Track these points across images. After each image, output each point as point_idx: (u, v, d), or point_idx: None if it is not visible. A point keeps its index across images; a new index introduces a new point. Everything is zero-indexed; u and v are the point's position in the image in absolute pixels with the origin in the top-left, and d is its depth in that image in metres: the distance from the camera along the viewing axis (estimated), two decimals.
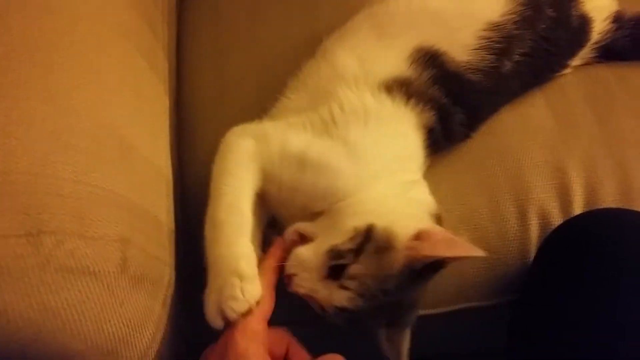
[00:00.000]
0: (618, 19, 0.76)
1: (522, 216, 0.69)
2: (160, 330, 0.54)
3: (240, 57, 0.81)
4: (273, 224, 0.65)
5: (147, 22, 0.73)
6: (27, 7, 0.53)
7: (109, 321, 0.47)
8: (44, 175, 0.46)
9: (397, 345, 0.59)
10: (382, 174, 0.61)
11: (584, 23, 0.74)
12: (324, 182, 0.59)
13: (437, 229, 0.57)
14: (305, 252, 0.56)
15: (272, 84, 0.73)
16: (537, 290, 0.63)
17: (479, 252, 0.53)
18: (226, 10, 0.85)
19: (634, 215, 0.62)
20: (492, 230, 0.69)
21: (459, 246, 0.54)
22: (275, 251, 0.59)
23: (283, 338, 0.57)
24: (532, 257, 0.67)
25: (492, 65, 0.66)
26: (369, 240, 0.55)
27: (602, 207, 0.69)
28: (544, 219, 0.69)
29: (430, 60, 0.65)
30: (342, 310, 0.54)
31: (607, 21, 0.76)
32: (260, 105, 0.71)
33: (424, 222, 0.58)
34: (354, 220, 0.56)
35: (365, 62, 0.66)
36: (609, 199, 0.71)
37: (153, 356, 0.52)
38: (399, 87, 0.64)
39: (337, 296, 0.54)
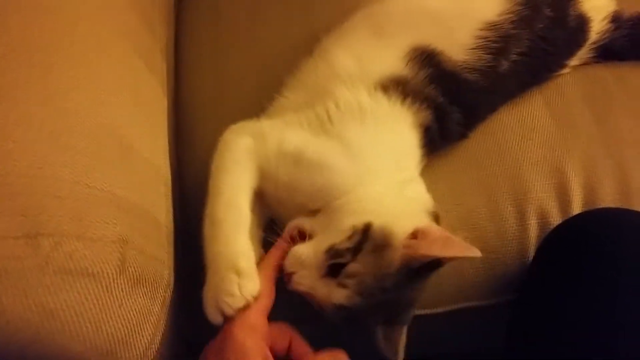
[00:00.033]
0: (616, 19, 0.76)
1: (521, 216, 0.69)
2: (160, 331, 0.54)
3: (239, 57, 0.80)
4: (273, 227, 0.65)
5: (145, 23, 0.73)
6: (26, 8, 0.53)
7: (108, 322, 0.47)
8: (42, 176, 0.46)
9: (394, 342, 0.59)
10: (378, 172, 0.61)
11: (582, 23, 0.74)
12: (319, 180, 0.60)
13: (434, 227, 0.57)
14: (304, 251, 0.57)
15: (271, 84, 0.73)
16: (536, 289, 0.63)
17: (475, 253, 0.53)
18: (225, 10, 0.85)
19: (633, 214, 0.62)
20: (491, 230, 0.69)
21: (456, 246, 0.54)
22: (276, 250, 0.59)
23: (285, 332, 0.57)
24: (531, 257, 0.67)
25: (489, 64, 0.66)
26: (367, 239, 0.55)
27: (600, 206, 0.70)
28: (542, 218, 0.69)
29: (426, 59, 0.65)
30: (340, 307, 0.55)
31: (605, 21, 0.76)
32: (259, 105, 0.71)
33: (421, 221, 0.58)
34: (352, 219, 0.57)
35: (362, 61, 0.66)
36: (607, 199, 0.71)
37: (152, 357, 0.52)
38: (395, 86, 0.64)
39: (336, 294, 0.55)
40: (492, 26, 0.67)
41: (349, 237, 0.55)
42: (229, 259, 0.55)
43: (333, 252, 0.55)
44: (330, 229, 0.57)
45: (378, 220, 0.56)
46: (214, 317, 0.54)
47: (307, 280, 0.56)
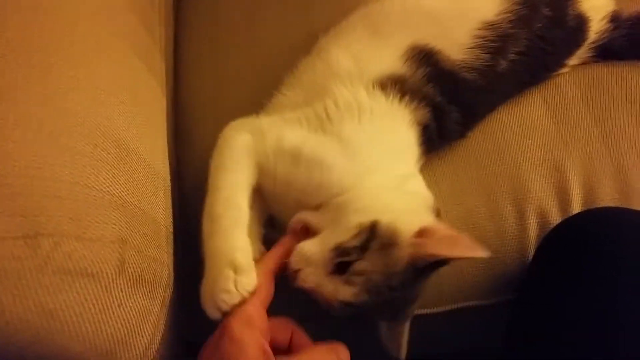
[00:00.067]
0: (615, 19, 0.76)
1: (521, 215, 0.69)
2: (159, 331, 0.54)
3: (238, 57, 0.81)
4: (273, 224, 0.65)
5: (144, 24, 0.73)
6: (25, 8, 0.53)
7: (108, 322, 0.47)
8: (41, 177, 0.46)
9: (397, 337, 0.59)
10: (376, 169, 0.61)
11: (581, 22, 0.74)
12: (317, 177, 0.60)
13: (440, 226, 0.57)
14: (310, 248, 0.56)
15: (269, 84, 0.73)
16: (536, 289, 0.63)
17: (483, 253, 0.53)
18: (223, 10, 0.85)
19: (632, 214, 0.63)
20: (491, 230, 0.69)
21: (463, 245, 0.54)
22: (280, 245, 0.59)
23: (287, 326, 0.57)
24: (531, 256, 0.67)
25: (487, 64, 0.66)
26: (374, 237, 0.55)
27: (600, 206, 0.70)
28: (542, 218, 0.69)
29: (424, 58, 0.65)
30: (347, 305, 0.55)
31: (604, 21, 0.76)
32: (258, 105, 0.71)
33: (426, 218, 0.58)
34: (358, 217, 0.57)
35: (359, 60, 0.66)
36: (607, 198, 0.71)
37: (152, 357, 0.52)
38: (393, 85, 0.64)
39: (343, 291, 0.55)
40: (490, 25, 0.67)
41: (356, 235, 0.55)
42: (226, 255, 0.55)
43: (340, 250, 0.55)
44: (335, 225, 0.57)
45: (384, 217, 0.56)
46: (212, 313, 0.54)
47: (313, 278, 0.56)
